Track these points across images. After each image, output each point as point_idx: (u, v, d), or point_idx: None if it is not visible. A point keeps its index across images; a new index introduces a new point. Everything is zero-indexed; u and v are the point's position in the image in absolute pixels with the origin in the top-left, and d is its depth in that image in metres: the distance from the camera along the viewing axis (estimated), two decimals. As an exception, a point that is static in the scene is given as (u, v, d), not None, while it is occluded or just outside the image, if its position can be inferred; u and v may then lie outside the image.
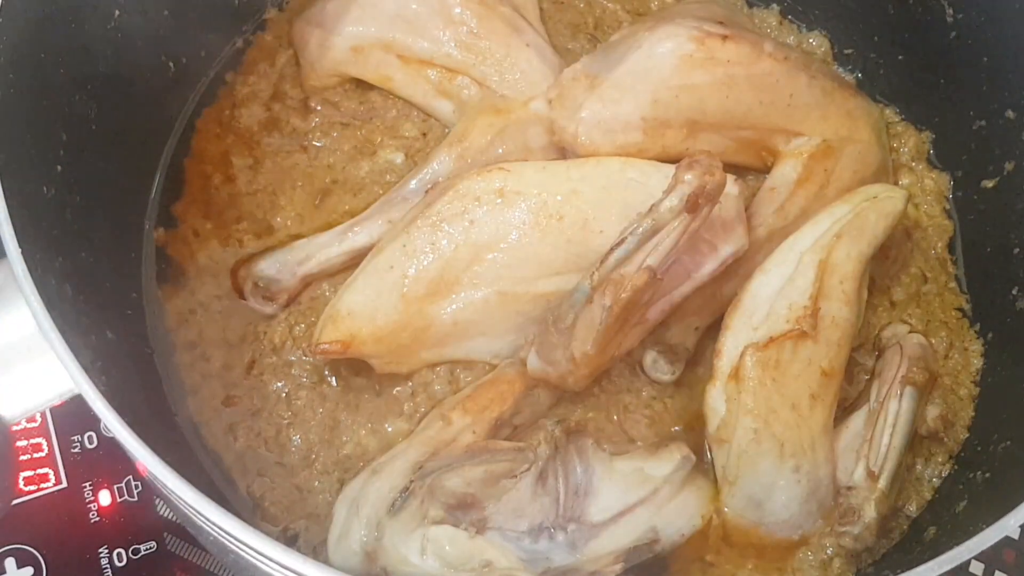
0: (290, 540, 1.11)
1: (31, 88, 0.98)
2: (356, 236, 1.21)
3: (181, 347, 1.20)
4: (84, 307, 0.96)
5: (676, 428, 1.17)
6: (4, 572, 1.22)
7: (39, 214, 0.95)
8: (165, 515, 1.28)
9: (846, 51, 1.44)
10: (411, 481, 1.03)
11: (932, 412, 1.16)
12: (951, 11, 1.27)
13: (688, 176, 0.99)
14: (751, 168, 1.27)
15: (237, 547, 0.83)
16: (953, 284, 1.30)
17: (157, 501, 1.28)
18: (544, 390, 1.12)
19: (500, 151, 1.21)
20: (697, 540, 1.07)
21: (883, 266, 1.27)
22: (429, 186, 1.20)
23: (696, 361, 1.19)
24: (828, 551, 1.09)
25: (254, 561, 0.83)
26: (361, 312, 1.11)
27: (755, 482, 1.06)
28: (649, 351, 1.17)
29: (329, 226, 1.24)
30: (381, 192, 1.27)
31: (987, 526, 0.89)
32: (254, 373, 1.19)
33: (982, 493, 1.10)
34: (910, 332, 1.21)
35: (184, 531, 1.26)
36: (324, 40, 1.29)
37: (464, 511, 1.00)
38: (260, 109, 1.33)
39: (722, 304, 1.15)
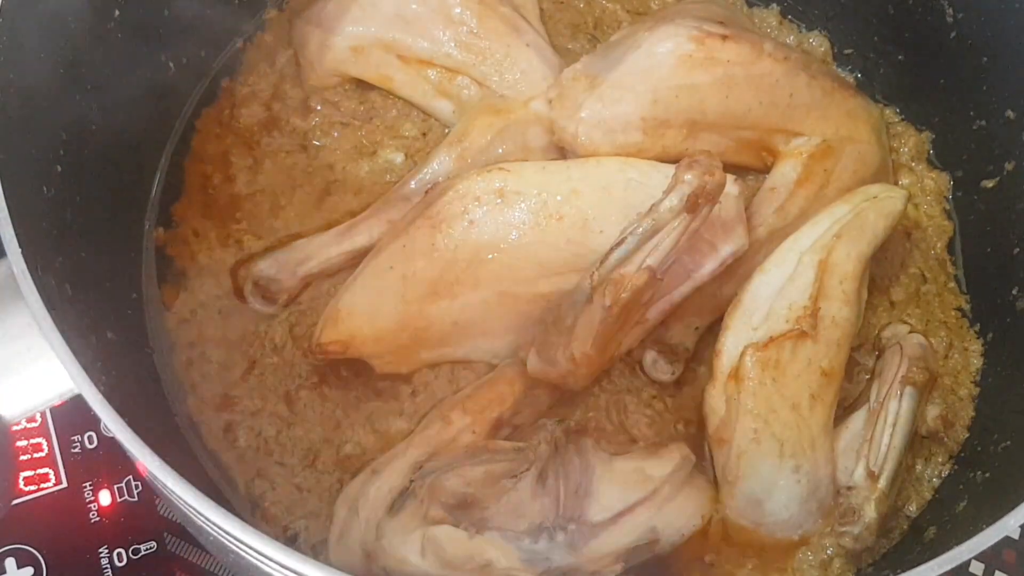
0: (290, 540, 1.11)
1: (30, 88, 0.98)
2: (356, 236, 1.21)
3: (181, 347, 1.20)
4: (84, 307, 0.96)
5: (676, 428, 1.17)
6: (4, 572, 1.22)
7: (39, 214, 0.95)
8: (165, 515, 1.28)
9: (846, 51, 1.43)
10: (411, 481, 1.03)
11: (932, 412, 1.17)
12: (951, 11, 1.27)
13: (688, 176, 0.99)
14: (751, 168, 1.27)
15: (237, 547, 0.83)
16: (953, 284, 1.30)
17: (157, 501, 1.28)
18: (544, 390, 1.12)
19: (500, 151, 1.21)
20: (697, 540, 1.07)
21: (883, 266, 1.27)
22: (429, 186, 1.20)
23: (696, 361, 1.19)
24: (828, 551, 1.09)
25: (254, 561, 0.83)
26: (361, 312, 1.11)
27: (755, 482, 1.06)
28: (649, 351, 1.17)
29: (329, 226, 1.24)
30: (381, 192, 1.27)
31: (987, 526, 0.89)
32: (254, 373, 1.19)
33: (982, 493, 1.10)
34: (910, 332, 1.21)
35: (184, 531, 1.26)
36: (324, 40, 1.29)
37: (464, 511, 1.00)
38: (260, 109, 1.33)
39: (722, 304, 1.15)
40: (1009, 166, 1.25)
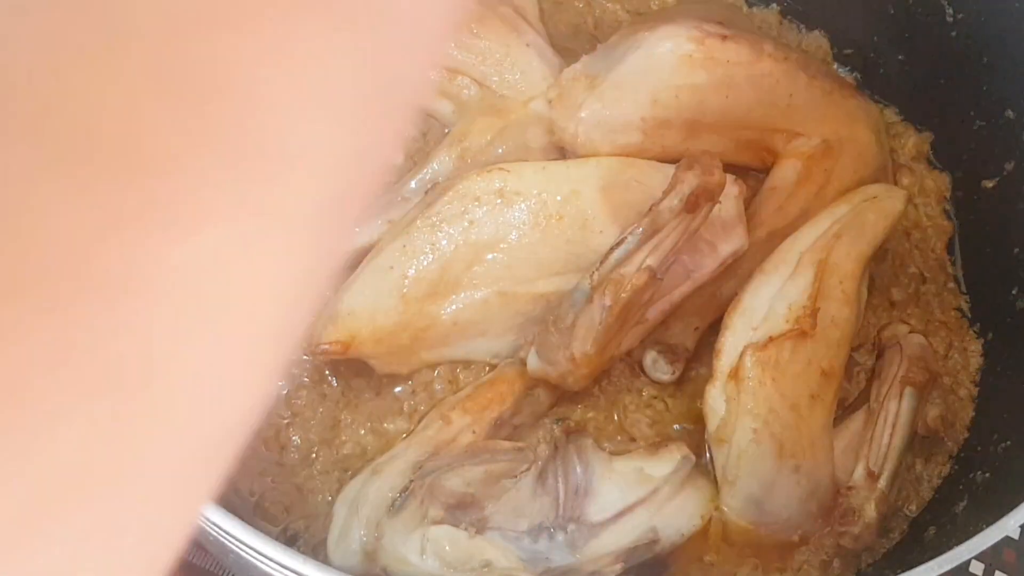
0: (290, 540, 1.10)
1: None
2: (355, 236, 1.21)
3: (181, 347, 1.19)
4: (84, 307, 0.96)
5: (677, 428, 1.17)
6: (4, 572, 1.21)
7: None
8: (165, 515, 1.27)
9: (846, 51, 1.43)
10: (411, 481, 1.03)
11: (932, 412, 1.16)
12: (951, 11, 1.27)
13: (688, 176, 0.99)
14: (751, 168, 1.27)
15: (237, 547, 0.83)
16: (952, 284, 1.30)
17: (157, 501, 1.28)
18: (544, 390, 1.12)
19: (500, 151, 1.21)
20: (697, 540, 1.07)
21: (882, 266, 1.27)
22: (429, 186, 1.20)
23: (697, 361, 1.19)
24: (828, 551, 1.09)
25: (254, 561, 0.83)
26: (361, 312, 1.11)
27: (755, 482, 1.06)
28: (649, 351, 1.17)
29: (329, 226, 1.23)
30: (381, 192, 1.26)
31: (987, 526, 0.89)
32: (254, 373, 1.18)
33: (982, 493, 1.10)
34: (910, 332, 1.21)
35: (184, 531, 1.25)
36: (323, 41, 1.29)
37: (464, 511, 0.99)
38: (260, 109, 1.33)
39: (722, 304, 1.15)
40: (1009, 166, 1.25)
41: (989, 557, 1.29)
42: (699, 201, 0.99)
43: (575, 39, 1.41)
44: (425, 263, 1.11)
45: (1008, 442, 1.12)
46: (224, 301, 0.36)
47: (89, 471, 0.33)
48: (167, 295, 0.33)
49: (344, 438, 1.16)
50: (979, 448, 1.17)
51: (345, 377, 1.18)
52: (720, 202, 1.04)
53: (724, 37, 1.17)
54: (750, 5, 1.47)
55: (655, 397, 1.18)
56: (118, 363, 0.33)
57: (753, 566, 1.09)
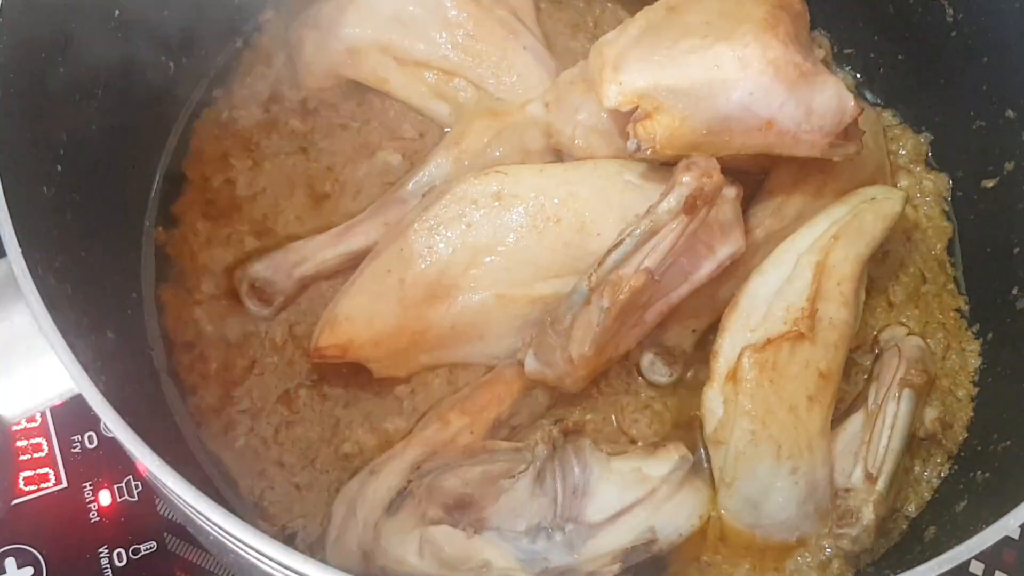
0: (288, 539, 1.11)
1: (31, 88, 0.98)
2: (353, 238, 1.21)
3: (180, 347, 1.20)
4: (84, 307, 0.96)
5: (674, 429, 1.16)
6: (4, 572, 1.22)
7: (39, 214, 0.95)
8: (165, 515, 1.28)
9: (846, 51, 1.44)
10: (409, 481, 1.03)
11: (930, 414, 1.16)
12: (951, 11, 1.27)
13: (686, 178, 0.99)
14: (748, 171, 1.27)
15: (237, 547, 0.83)
16: (951, 285, 1.30)
17: (157, 501, 1.28)
18: (542, 391, 1.13)
19: (497, 154, 1.21)
20: (695, 540, 1.07)
21: (882, 267, 1.27)
22: (426, 189, 1.20)
23: (695, 363, 1.19)
24: (826, 552, 1.09)
25: (254, 560, 0.83)
26: (359, 316, 1.11)
27: (752, 484, 1.06)
28: (646, 353, 1.17)
29: (329, 227, 1.23)
30: (379, 194, 1.26)
31: (987, 526, 0.89)
32: (254, 373, 1.19)
33: (982, 493, 1.10)
34: (908, 334, 1.21)
35: (184, 531, 1.26)
36: (320, 42, 1.29)
37: (462, 511, 1.00)
38: (258, 111, 1.33)
39: (719, 306, 1.15)
40: (1009, 166, 1.25)
41: (989, 557, 1.29)
42: (697, 203, 0.99)
43: (575, 39, 1.41)
44: (423, 267, 1.11)
45: (1008, 442, 1.12)
46: None
47: None
48: None
49: (343, 437, 1.16)
50: (979, 448, 1.17)
51: (345, 377, 1.19)
52: (717, 204, 1.04)
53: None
54: (750, 5, 1.47)
55: (653, 398, 1.18)
56: None
57: (750, 566, 1.09)
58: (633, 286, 1.01)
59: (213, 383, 1.18)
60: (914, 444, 1.16)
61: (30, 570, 1.23)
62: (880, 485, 1.07)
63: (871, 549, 1.09)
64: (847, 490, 1.08)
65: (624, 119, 1.09)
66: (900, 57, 1.38)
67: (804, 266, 1.11)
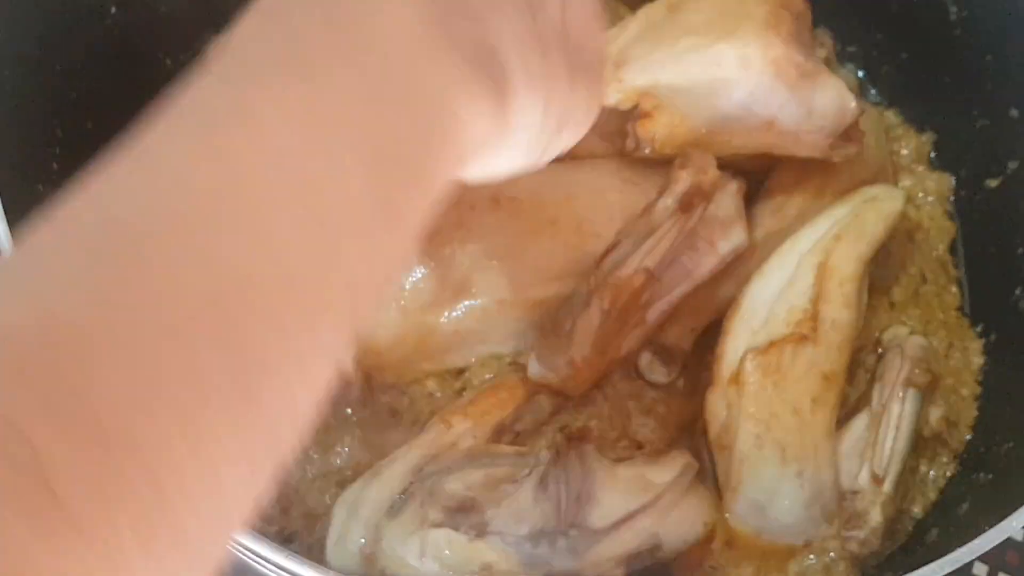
0: (287, 540, 1.10)
1: (25, 85, 0.97)
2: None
3: (180, 348, 1.19)
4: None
5: (679, 434, 1.16)
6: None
7: (34, 212, 0.94)
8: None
9: (849, 49, 1.43)
10: (411, 484, 1.03)
11: (935, 414, 1.16)
12: (955, 8, 1.27)
13: (682, 175, 0.99)
14: (748, 171, 1.26)
15: (235, 547, 0.82)
16: (953, 285, 1.30)
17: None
18: (546, 396, 1.12)
19: (495, 155, 1.20)
20: (700, 546, 1.06)
21: (883, 267, 1.27)
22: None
23: (700, 365, 1.18)
24: (832, 555, 1.08)
25: (251, 563, 0.82)
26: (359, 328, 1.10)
27: (757, 487, 1.05)
28: (644, 353, 1.16)
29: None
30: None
31: (990, 527, 0.88)
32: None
33: (985, 494, 1.09)
34: (911, 334, 1.21)
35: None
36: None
37: (464, 515, 0.99)
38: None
39: (719, 305, 1.14)
40: (1013, 165, 1.24)
41: (992, 559, 1.29)
42: (694, 200, 0.98)
43: (575, 38, 1.41)
44: (422, 274, 1.10)
45: (1011, 443, 1.12)
46: None
47: None
48: None
49: (343, 439, 1.15)
50: (982, 449, 1.16)
51: (344, 379, 1.18)
52: (717, 200, 1.03)
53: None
54: (752, 3, 1.46)
55: (658, 401, 1.17)
56: None
57: (756, 570, 1.09)
58: (633, 286, 1.00)
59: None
60: (920, 444, 1.15)
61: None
62: (887, 486, 1.07)
63: (879, 551, 1.09)
64: (854, 492, 1.08)
65: (623, 118, 1.09)
66: (903, 55, 1.37)
67: (806, 267, 1.11)
